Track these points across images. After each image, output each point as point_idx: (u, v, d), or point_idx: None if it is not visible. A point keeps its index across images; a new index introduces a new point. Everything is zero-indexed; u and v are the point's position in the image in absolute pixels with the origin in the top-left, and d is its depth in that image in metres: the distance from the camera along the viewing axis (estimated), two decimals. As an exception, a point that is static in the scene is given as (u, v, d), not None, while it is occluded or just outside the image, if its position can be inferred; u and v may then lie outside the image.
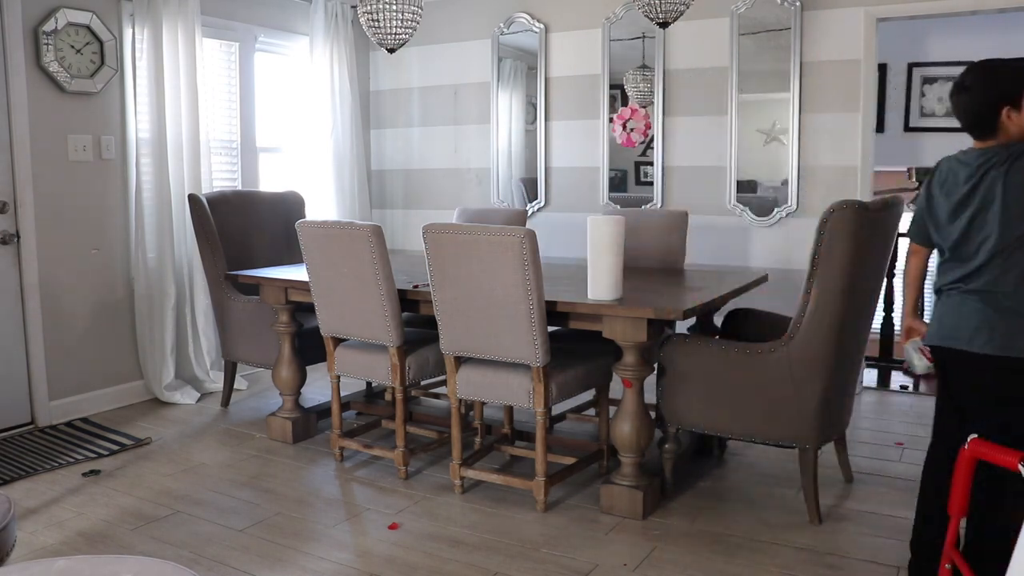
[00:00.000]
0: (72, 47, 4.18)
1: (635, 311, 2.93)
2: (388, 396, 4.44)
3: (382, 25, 3.82)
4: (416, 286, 3.44)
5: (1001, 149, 2.28)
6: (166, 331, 4.60)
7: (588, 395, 3.90)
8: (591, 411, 4.07)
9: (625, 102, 5.14)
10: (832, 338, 2.90)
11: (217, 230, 4.35)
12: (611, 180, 5.26)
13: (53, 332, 4.22)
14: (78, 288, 4.34)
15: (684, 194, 5.00)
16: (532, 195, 5.52)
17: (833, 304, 2.87)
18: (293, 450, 3.90)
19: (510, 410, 3.78)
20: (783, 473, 3.51)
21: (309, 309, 3.77)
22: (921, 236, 2.56)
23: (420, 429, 3.92)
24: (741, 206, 4.83)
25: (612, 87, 5.18)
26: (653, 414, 3.29)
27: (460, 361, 3.27)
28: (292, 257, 4.44)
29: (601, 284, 3.05)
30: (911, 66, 6.21)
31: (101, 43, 4.30)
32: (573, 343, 3.52)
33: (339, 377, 3.69)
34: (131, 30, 4.45)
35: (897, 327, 6.19)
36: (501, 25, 5.50)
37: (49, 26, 4.06)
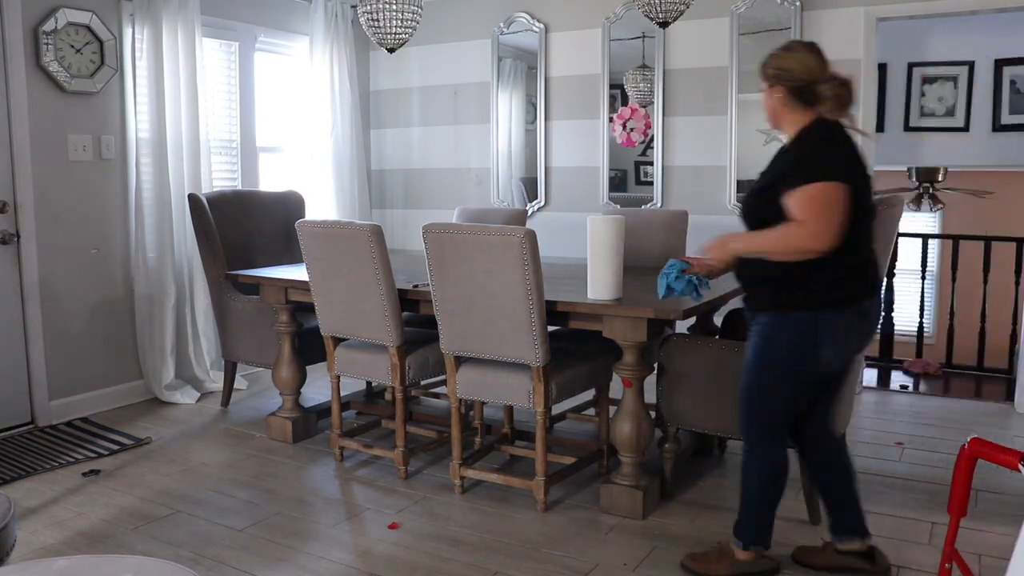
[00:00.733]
0: (72, 47, 4.18)
1: (635, 311, 2.93)
2: (388, 396, 4.44)
3: (382, 25, 3.82)
4: (416, 286, 3.44)
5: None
6: (166, 331, 4.60)
7: (588, 395, 3.89)
8: (591, 411, 4.07)
9: (625, 102, 5.14)
10: (832, 338, 2.89)
11: (217, 230, 4.35)
12: (611, 180, 5.26)
13: (53, 332, 4.22)
14: (78, 288, 4.34)
15: (684, 194, 5.00)
16: (532, 195, 5.52)
17: (833, 304, 2.86)
18: (293, 450, 3.90)
19: (510, 410, 3.78)
20: (783, 473, 3.50)
21: (309, 309, 3.77)
22: None
23: (420, 429, 3.92)
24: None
25: (612, 87, 5.18)
26: (653, 414, 3.29)
27: (460, 361, 3.27)
28: (292, 257, 4.44)
29: (601, 283, 3.05)
30: (911, 66, 6.21)
31: (101, 43, 4.30)
32: (573, 343, 3.52)
33: (339, 377, 3.69)
34: (131, 30, 4.45)
35: (897, 327, 6.19)
36: (501, 25, 5.50)
37: (49, 26, 4.06)
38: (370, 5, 3.79)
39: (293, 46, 5.52)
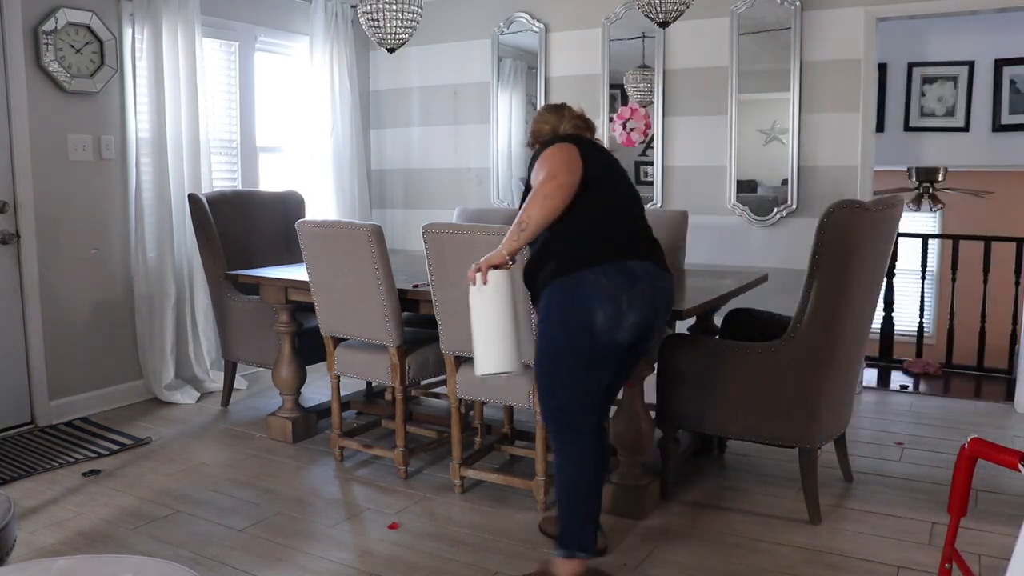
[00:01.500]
0: (72, 47, 4.18)
1: (635, 311, 2.92)
2: (388, 396, 4.44)
3: (382, 25, 3.82)
4: (416, 286, 3.43)
5: None
6: (166, 331, 4.60)
7: (588, 395, 3.89)
8: (591, 411, 4.06)
9: (625, 102, 5.14)
10: (832, 338, 2.90)
11: (217, 230, 4.35)
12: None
13: (53, 332, 4.22)
14: (78, 288, 4.34)
15: (684, 194, 5.00)
16: (532, 195, 5.51)
17: (833, 304, 2.87)
18: (293, 450, 3.90)
19: (510, 410, 3.78)
20: (783, 473, 3.51)
21: (309, 309, 3.77)
22: None
23: (420, 429, 3.92)
24: (741, 206, 4.83)
25: (612, 87, 5.18)
26: (653, 414, 3.29)
27: (460, 361, 3.27)
28: (292, 257, 4.44)
29: (491, 354, 2.41)
30: (911, 66, 6.21)
31: (101, 43, 4.30)
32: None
33: (339, 377, 3.69)
34: (131, 30, 4.45)
35: (897, 327, 6.20)
36: (501, 25, 5.50)
37: (49, 26, 4.06)
38: (370, 5, 3.79)
39: (293, 46, 5.52)
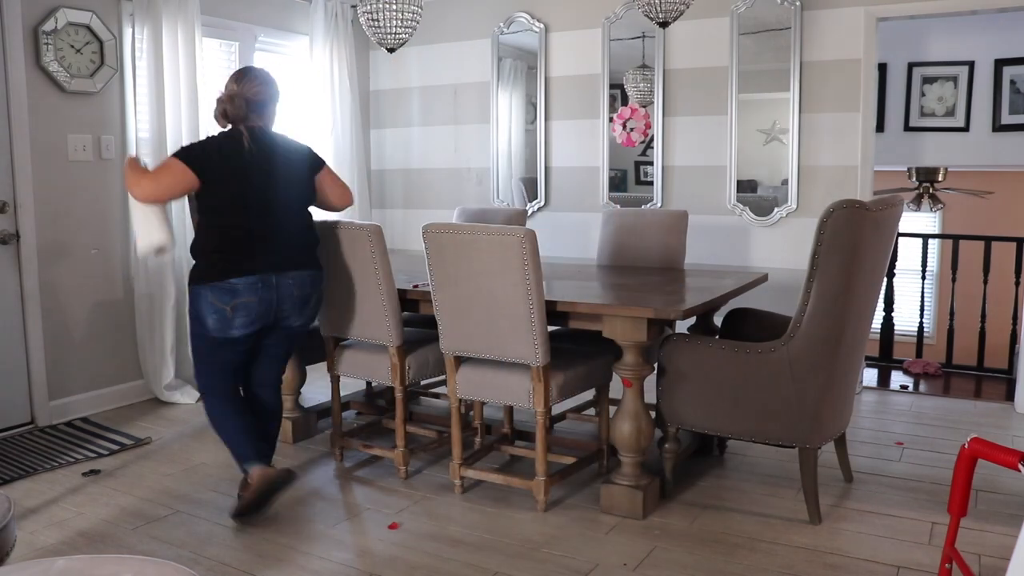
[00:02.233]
0: (72, 47, 4.18)
1: (635, 311, 2.93)
2: (388, 396, 4.44)
3: (382, 25, 3.82)
4: (416, 286, 3.44)
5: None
6: (166, 331, 4.60)
7: (588, 395, 3.90)
8: (591, 411, 4.07)
9: (625, 102, 5.14)
10: (832, 338, 2.90)
11: (217, 230, 4.35)
12: (611, 180, 5.26)
13: (53, 332, 4.22)
14: (78, 288, 4.34)
15: (684, 194, 5.00)
16: (532, 195, 5.53)
17: (833, 304, 2.87)
18: (293, 450, 3.90)
19: (510, 410, 3.78)
20: (783, 473, 3.51)
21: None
22: None
23: (420, 429, 3.92)
24: (741, 206, 4.84)
25: (612, 87, 5.18)
26: (653, 414, 3.29)
27: (460, 361, 3.27)
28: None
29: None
30: (911, 66, 6.22)
31: (101, 43, 4.30)
32: (573, 343, 3.52)
33: (339, 377, 3.69)
34: (131, 30, 4.45)
35: (897, 327, 6.20)
36: (501, 25, 5.50)
37: (49, 26, 4.06)
38: (370, 5, 3.79)
39: (293, 46, 5.52)
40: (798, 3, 4.55)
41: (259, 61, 5.29)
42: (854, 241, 2.81)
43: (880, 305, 5.89)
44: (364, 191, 5.83)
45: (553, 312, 3.06)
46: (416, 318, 3.99)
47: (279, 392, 3.38)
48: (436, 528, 3.04)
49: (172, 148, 4.54)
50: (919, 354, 6.05)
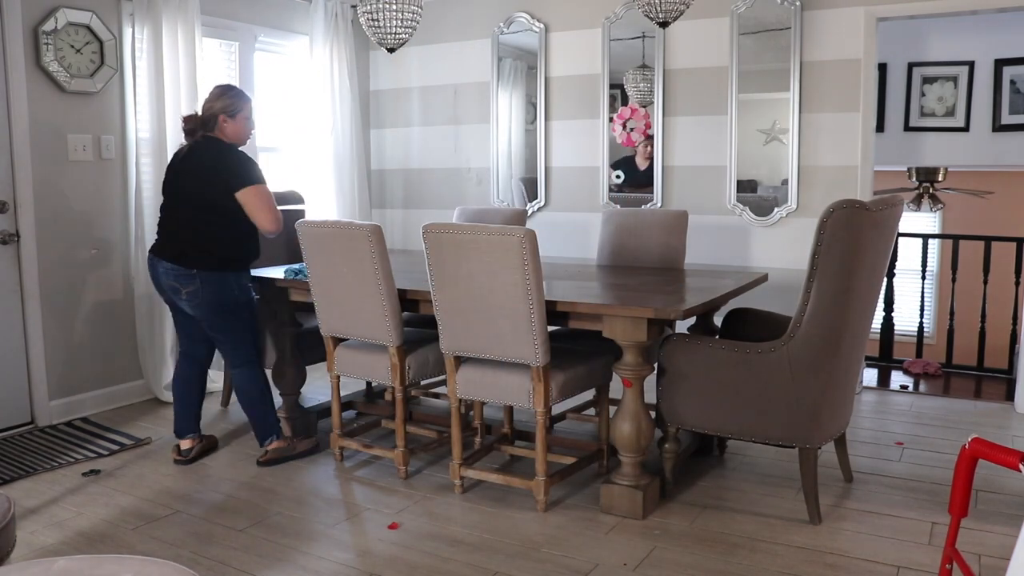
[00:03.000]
0: (72, 47, 4.18)
1: (635, 311, 2.93)
2: (388, 396, 4.44)
3: (382, 25, 3.82)
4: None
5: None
6: (166, 331, 4.60)
7: (588, 395, 3.90)
8: (591, 411, 4.07)
9: (625, 102, 5.14)
10: (832, 338, 2.90)
11: (217, 230, 4.35)
12: (612, 180, 5.26)
13: (53, 332, 4.22)
14: (78, 288, 4.34)
15: (684, 194, 5.00)
16: (532, 195, 5.53)
17: (833, 304, 2.87)
18: (293, 450, 3.90)
19: (510, 410, 3.78)
20: (783, 473, 3.51)
21: (309, 309, 3.77)
22: None
23: (420, 429, 3.92)
24: (741, 206, 4.84)
25: (612, 87, 5.18)
26: (653, 414, 3.29)
27: (460, 361, 3.27)
28: (292, 257, 4.44)
29: None
30: (911, 66, 6.21)
31: (101, 43, 4.30)
32: (573, 342, 3.52)
33: (339, 377, 3.69)
34: (131, 30, 4.45)
35: (897, 327, 6.20)
36: (501, 25, 5.50)
37: (49, 26, 4.06)
38: (370, 5, 3.79)
39: (293, 46, 5.52)
40: (798, 3, 4.55)
41: (259, 61, 5.30)
42: (854, 241, 2.81)
43: (880, 305, 5.89)
44: (364, 191, 5.83)
45: (553, 312, 3.06)
46: (416, 318, 4.00)
47: (238, 376, 3.69)
48: (436, 528, 3.04)
49: (172, 148, 4.54)
50: (919, 354, 6.05)
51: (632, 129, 5.11)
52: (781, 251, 4.72)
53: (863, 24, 4.44)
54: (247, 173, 3.46)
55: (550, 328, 3.06)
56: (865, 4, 4.42)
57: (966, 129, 6.11)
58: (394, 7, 3.77)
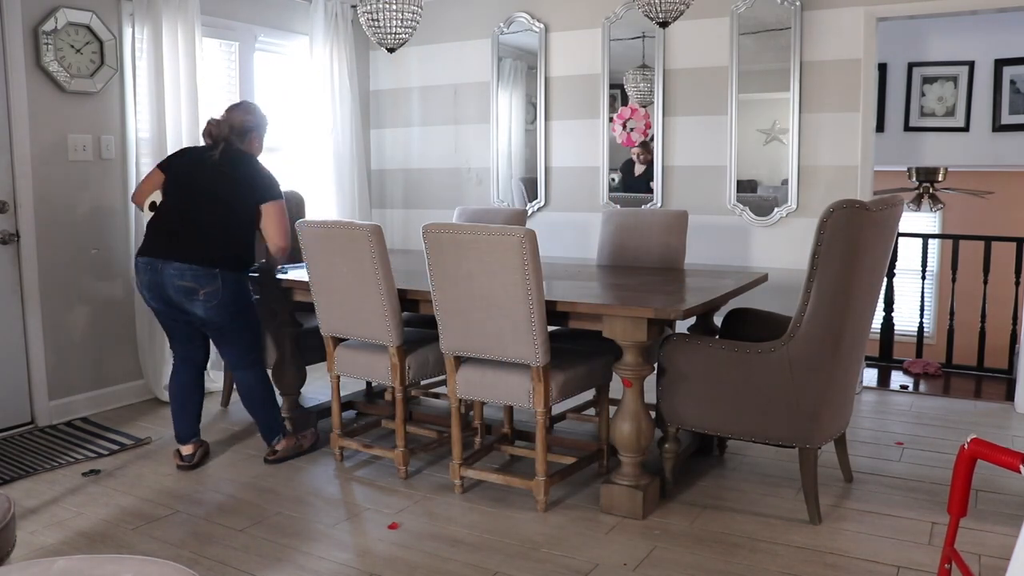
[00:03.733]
0: (72, 47, 4.18)
1: (635, 311, 2.93)
2: (388, 396, 4.44)
3: (382, 25, 3.82)
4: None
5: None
6: (166, 331, 4.59)
7: (588, 395, 3.90)
8: (591, 411, 4.07)
9: (625, 102, 5.14)
10: (832, 338, 2.90)
11: (217, 230, 4.35)
12: (610, 180, 5.26)
13: (53, 332, 4.22)
14: (78, 288, 4.34)
15: (684, 194, 5.00)
16: (532, 195, 5.53)
17: (833, 304, 2.87)
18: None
19: (510, 410, 3.78)
20: (783, 473, 3.51)
21: (309, 309, 3.77)
22: None
23: (420, 429, 3.92)
24: (741, 206, 4.84)
25: (612, 87, 5.18)
26: (653, 414, 3.29)
27: (460, 361, 3.27)
28: (292, 257, 4.43)
29: None
30: (911, 66, 6.21)
31: (101, 43, 4.30)
32: (573, 343, 3.52)
33: (339, 377, 3.69)
34: (131, 30, 4.45)
35: (897, 327, 6.20)
36: (501, 25, 5.50)
37: (49, 26, 4.06)
38: (370, 5, 3.79)
39: (293, 46, 5.52)
40: (798, 3, 4.55)
41: (259, 61, 5.29)
42: (854, 241, 2.81)
43: (880, 305, 5.89)
44: (364, 191, 5.83)
45: (553, 312, 3.06)
46: (416, 318, 4.00)
47: (246, 376, 3.69)
48: (436, 528, 3.04)
49: (172, 148, 4.54)
50: (919, 354, 6.05)
51: (632, 129, 5.11)
52: (781, 251, 4.72)
53: (863, 24, 4.44)
54: (276, 189, 3.60)
55: (550, 328, 3.06)
56: (865, 4, 4.42)
57: (966, 129, 6.11)
58: (394, 7, 3.77)
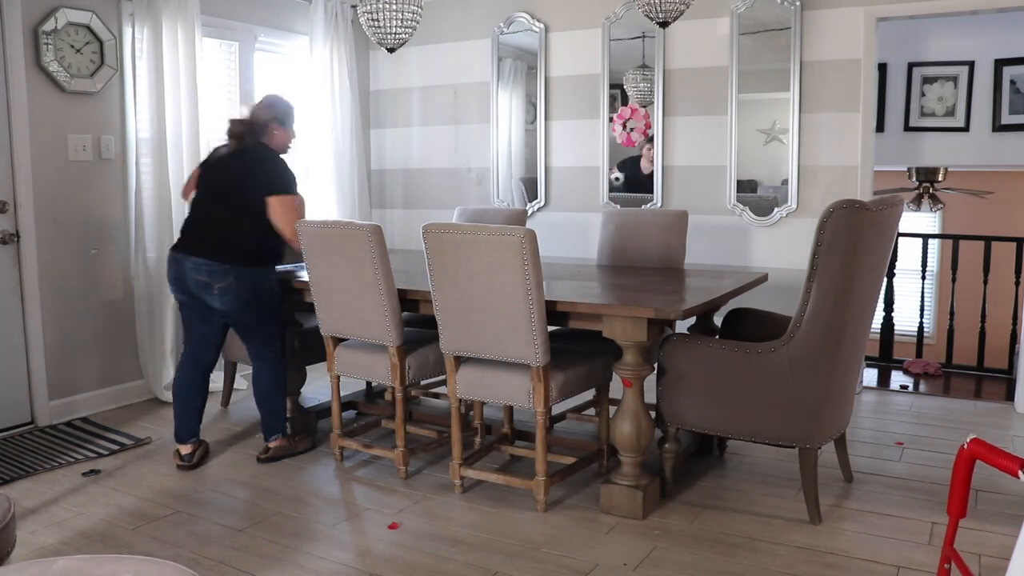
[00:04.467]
0: (72, 47, 4.18)
1: (635, 311, 2.93)
2: (388, 396, 4.44)
3: (382, 25, 3.82)
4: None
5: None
6: (166, 331, 4.60)
7: (588, 395, 3.90)
8: (591, 411, 4.07)
9: (625, 102, 5.14)
10: (832, 338, 2.90)
11: (217, 230, 4.35)
12: (611, 180, 5.26)
13: (53, 332, 4.22)
14: (78, 288, 4.34)
15: (684, 194, 5.00)
16: (532, 195, 5.53)
17: (833, 304, 2.87)
18: (293, 450, 3.90)
19: (510, 410, 3.78)
20: (783, 473, 3.51)
21: (309, 309, 3.77)
22: None
23: (420, 429, 3.92)
24: (741, 206, 4.84)
25: (612, 87, 5.18)
26: (653, 414, 3.29)
27: (460, 361, 3.27)
28: (292, 257, 4.43)
29: None
30: (911, 66, 6.21)
31: (101, 43, 4.30)
32: (573, 343, 3.52)
33: (339, 377, 3.70)
34: (131, 30, 4.45)
35: (897, 327, 6.20)
36: (501, 25, 5.50)
37: (49, 26, 4.06)
38: (370, 5, 3.79)
39: (293, 46, 5.52)
40: (798, 3, 4.55)
41: (259, 61, 5.29)
42: (854, 241, 2.81)
43: (880, 305, 5.89)
44: (364, 191, 5.83)
45: (553, 312, 3.06)
46: (416, 318, 4.00)
47: (261, 369, 3.74)
48: (436, 528, 3.05)
49: (172, 148, 4.55)
50: (919, 354, 6.05)
51: (632, 129, 5.11)
52: (781, 251, 4.72)
53: (863, 24, 4.44)
54: (283, 181, 3.59)
55: (550, 328, 3.06)
56: (865, 4, 4.42)
57: (966, 129, 6.11)
58: (394, 7, 3.77)
